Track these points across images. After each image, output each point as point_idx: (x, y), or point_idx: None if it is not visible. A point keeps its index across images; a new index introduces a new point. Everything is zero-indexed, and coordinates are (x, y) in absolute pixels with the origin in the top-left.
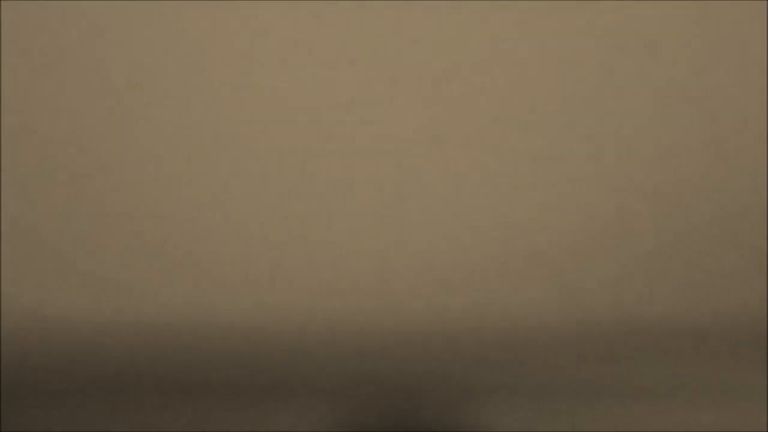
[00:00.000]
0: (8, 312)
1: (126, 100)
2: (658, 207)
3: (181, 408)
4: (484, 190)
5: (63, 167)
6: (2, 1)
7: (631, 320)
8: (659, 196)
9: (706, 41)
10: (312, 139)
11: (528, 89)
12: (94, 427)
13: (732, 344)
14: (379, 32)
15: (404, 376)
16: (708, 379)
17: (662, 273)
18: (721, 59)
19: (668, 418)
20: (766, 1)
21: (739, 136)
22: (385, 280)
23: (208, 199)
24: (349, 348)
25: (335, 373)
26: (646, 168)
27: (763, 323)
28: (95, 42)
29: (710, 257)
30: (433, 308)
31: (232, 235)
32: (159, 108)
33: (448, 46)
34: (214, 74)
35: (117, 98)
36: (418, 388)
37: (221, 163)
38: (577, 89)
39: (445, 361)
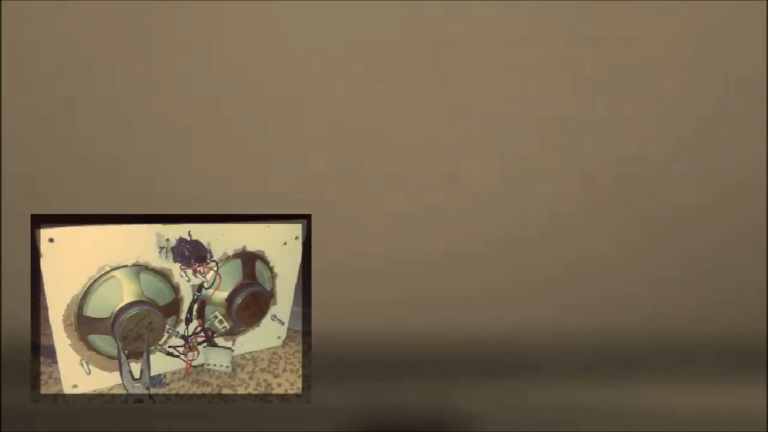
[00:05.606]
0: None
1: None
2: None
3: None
4: (488, 202)
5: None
6: (2, 1)
7: (633, 335)
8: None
9: (706, 41)
10: (313, 136)
11: (534, 97)
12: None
13: (731, 360)
14: (380, 30)
15: (403, 388)
16: (708, 393)
17: (664, 289)
18: (721, 59)
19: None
20: (765, 1)
21: (739, 139)
22: (393, 292)
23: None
24: (352, 357)
25: (339, 380)
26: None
27: (762, 335)
28: (96, 41)
29: (711, 273)
30: (437, 322)
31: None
32: (156, 109)
33: (452, 42)
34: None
35: (114, 98)
36: (418, 398)
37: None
38: (582, 103)
39: (448, 374)
